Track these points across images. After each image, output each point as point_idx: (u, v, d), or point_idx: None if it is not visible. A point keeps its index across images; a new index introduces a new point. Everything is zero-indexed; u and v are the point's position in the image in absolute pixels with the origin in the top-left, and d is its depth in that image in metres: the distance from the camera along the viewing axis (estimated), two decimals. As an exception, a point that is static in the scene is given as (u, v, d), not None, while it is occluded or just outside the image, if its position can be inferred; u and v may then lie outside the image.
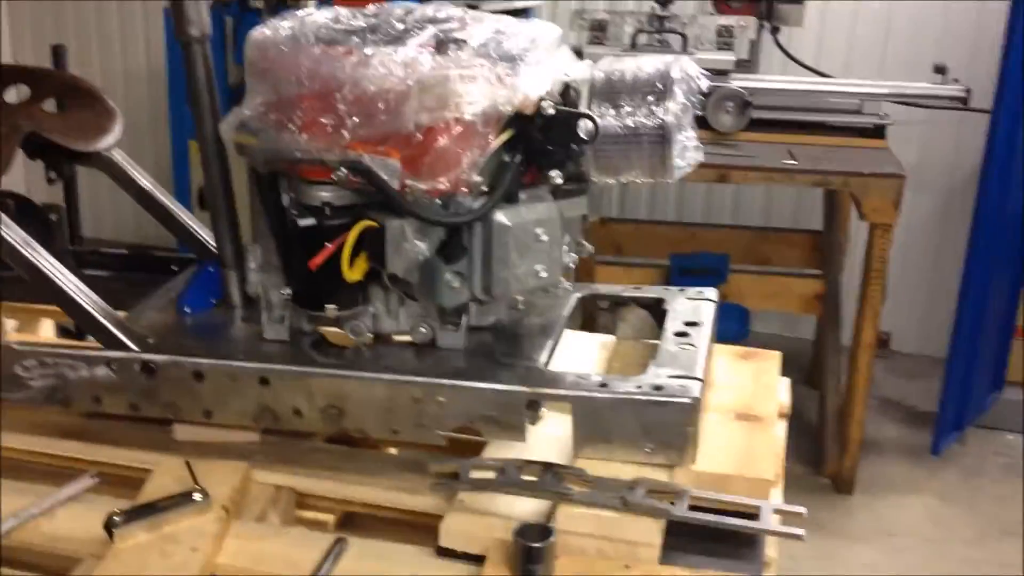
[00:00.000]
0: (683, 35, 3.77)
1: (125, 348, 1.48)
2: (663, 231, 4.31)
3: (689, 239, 4.19)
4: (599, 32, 3.89)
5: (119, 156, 1.79)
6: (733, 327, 3.55)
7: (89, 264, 1.84)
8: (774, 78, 3.78)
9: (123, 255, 1.89)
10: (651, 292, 1.72)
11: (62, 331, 2.07)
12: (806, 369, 4.18)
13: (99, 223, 5.40)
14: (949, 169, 4.42)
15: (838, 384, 3.62)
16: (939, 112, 3.70)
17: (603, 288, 1.74)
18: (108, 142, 1.78)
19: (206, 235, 1.78)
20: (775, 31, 3.95)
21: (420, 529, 1.45)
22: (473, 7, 4.17)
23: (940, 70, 3.54)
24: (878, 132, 3.57)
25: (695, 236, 4.24)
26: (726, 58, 3.68)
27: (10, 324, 1.93)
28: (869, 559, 3.14)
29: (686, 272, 3.67)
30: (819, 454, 3.57)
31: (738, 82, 3.51)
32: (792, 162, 3.27)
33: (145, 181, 1.80)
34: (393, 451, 1.70)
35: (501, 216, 1.34)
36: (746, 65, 3.82)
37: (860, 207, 3.26)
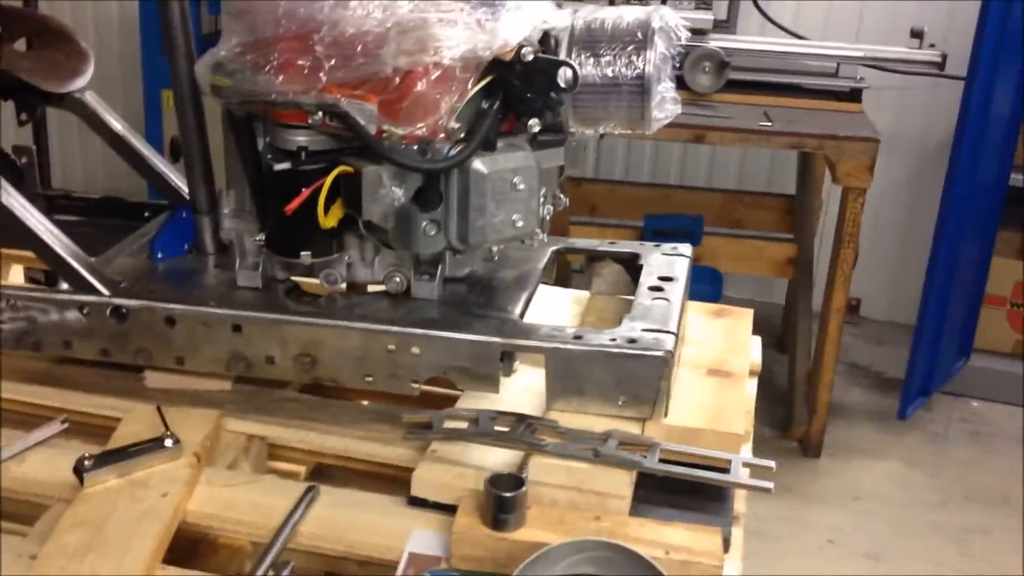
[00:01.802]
0: (662, -7, 3.75)
1: (96, 292, 1.46)
2: (638, 192, 4.30)
3: (663, 200, 4.19)
4: (577, -11, 3.86)
5: (91, 98, 1.77)
6: (707, 290, 3.56)
7: (60, 209, 1.81)
8: (752, 39, 3.76)
9: (95, 200, 1.87)
10: (626, 247, 1.72)
11: (30, 279, 2.05)
12: (777, 334, 4.20)
13: (69, 173, 5.33)
14: (922, 135, 4.43)
15: (808, 348, 3.64)
16: (914, 78, 3.71)
17: (578, 242, 1.74)
18: (80, 83, 1.75)
19: (179, 181, 1.76)
20: (755, -7, 3.93)
21: (391, 481, 1.44)
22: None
23: (917, 35, 3.54)
24: (854, 96, 3.57)
25: (669, 197, 4.24)
26: (705, 17, 3.65)
27: (-23, 268, 1.90)
28: (835, 521, 3.18)
29: (660, 234, 3.67)
30: (787, 417, 3.60)
31: (716, 42, 3.49)
32: (768, 124, 3.27)
33: (118, 125, 1.77)
34: (364, 403, 1.69)
35: (479, 164, 1.33)
36: (724, 26, 3.81)
37: (834, 171, 3.27)
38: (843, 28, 4.39)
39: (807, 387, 3.56)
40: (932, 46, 3.48)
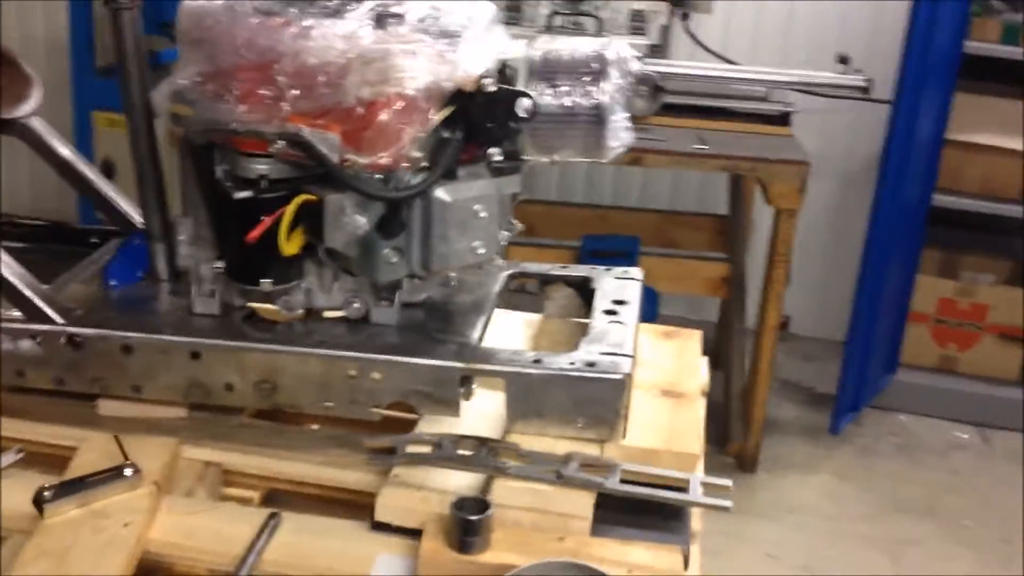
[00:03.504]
0: (597, 18, 3.81)
1: (50, 321, 1.44)
2: (574, 212, 4.35)
3: (599, 221, 4.24)
4: (514, 13, 3.90)
5: (38, 124, 1.74)
6: (644, 309, 3.61)
7: (6, 236, 1.78)
8: (684, 64, 3.83)
9: (42, 226, 1.84)
10: (578, 271, 1.75)
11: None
12: (710, 351, 4.26)
13: (15, 197, 5.23)
14: (847, 156, 4.56)
15: (742, 365, 3.72)
16: (839, 101, 3.82)
17: (531, 266, 1.76)
18: (26, 109, 1.73)
19: (127, 207, 1.75)
20: (685, 17, 4.01)
21: (347, 505, 1.45)
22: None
23: (843, 60, 3.64)
24: (783, 119, 3.66)
25: (604, 218, 4.30)
26: (639, 42, 3.73)
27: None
28: (772, 535, 3.25)
29: (597, 254, 3.72)
30: (723, 433, 3.67)
31: (649, 67, 3.55)
32: (702, 147, 3.34)
33: (66, 151, 1.75)
34: (315, 427, 1.69)
35: (441, 192, 1.35)
36: (658, 50, 3.88)
37: (766, 192, 3.35)
38: (770, 52, 4.51)
39: (742, 403, 3.63)
40: (858, 71, 3.59)
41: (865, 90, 3.54)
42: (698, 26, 4.10)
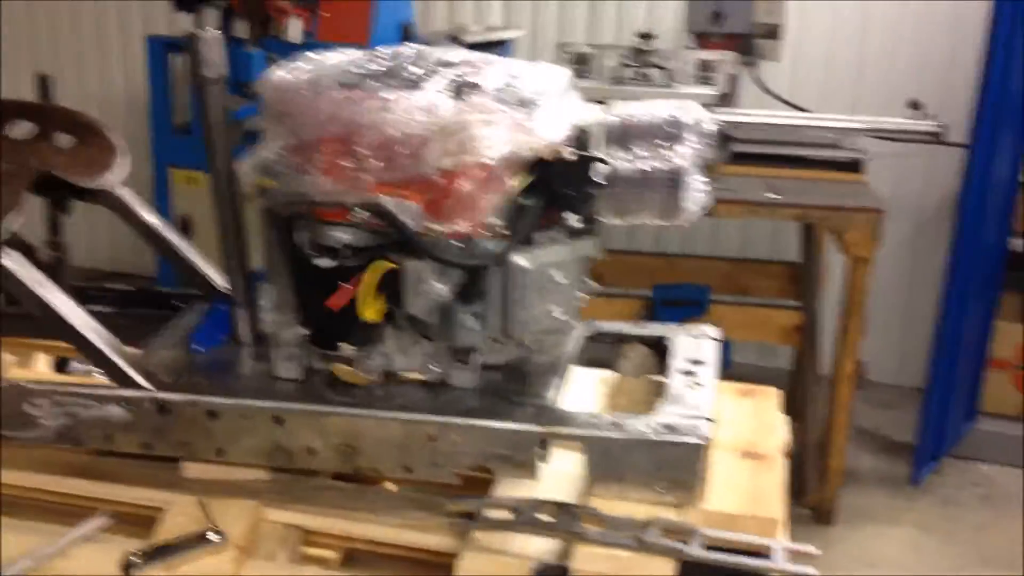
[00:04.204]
0: (665, 69, 3.82)
1: (139, 387, 1.48)
2: (643, 261, 4.35)
3: (668, 269, 4.23)
4: (582, 65, 3.94)
5: (125, 192, 1.80)
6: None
7: (92, 300, 1.83)
8: (753, 112, 3.83)
9: (125, 291, 1.89)
10: (653, 329, 1.74)
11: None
12: (784, 399, 4.21)
13: (94, 254, 5.39)
14: (921, 199, 4.50)
15: (817, 414, 3.66)
16: (912, 145, 3.78)
17: (606, 325, 1.76)
18: (114, 178, 1.78)
19: (210, 271, 1.79)
20: (753, 66, 4.02)
21: (424, 566, 1.46)
22: (454, 39, 4.21)
23: (915, 106, 3.61)
24: (855, 166, 3.63)
25: (674, 266, 4.29)
26: (707, 92, 3.73)
27: (9, 359, 1.92)
28: (852, 590, 3.18)
29: (668, 303, 3.71)
30: (799, 485, 3.61)
31: (719, 116, 3.55)
32: (774, 196, 3.32)
33: (151, 217, 1.80)
34: (392, 487, 1.70)
35: (519, 259, 1.37)
36: (725, 99, 3.88)
37: (840, 241, 3.31)
38: (840, 98, 4.48)
39: (818, 454, 3.57)
40: (931, 116, 3.55)
41: (939, 136, 3.51)
42: (766, 73, 4.10)
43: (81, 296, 1.82)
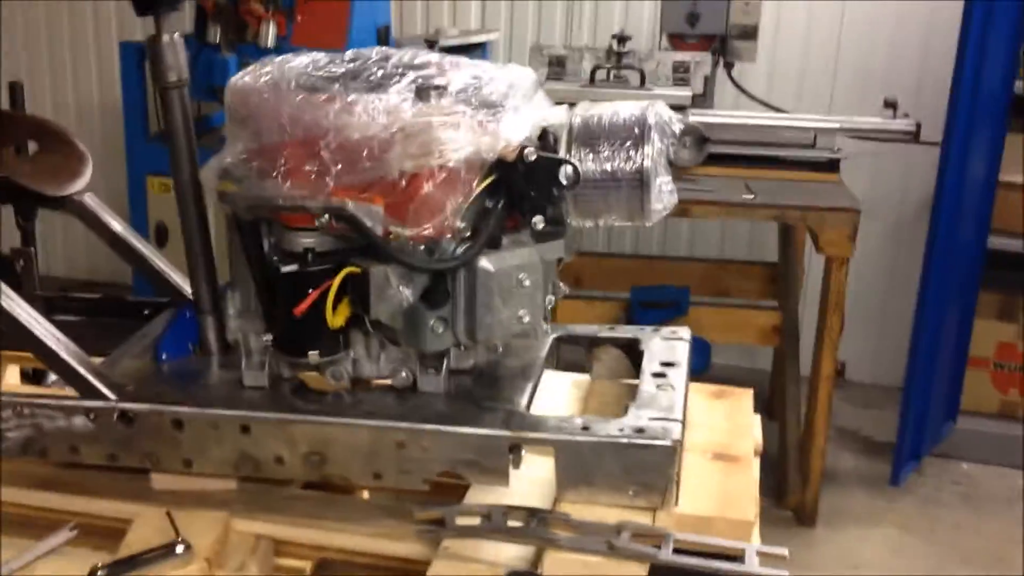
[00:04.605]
0: (640, 71, 3.82)
1: (103, 397, 1.46)
2: (622, 264, 4.35)
3: (647, 271, 4.23)
4: (558, 68, 3.94)
5: (91, 200, 1.78)
6: (696, 360, 3.57)
7: (58, 309, 1.81)
8: (730, 113, 3.84)
9: (93, 299, 1.87)
10: (626, 332, 1.73)
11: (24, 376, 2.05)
12: (765, 400, 4.22)
13: (50, 258, 5.35)
14: (898, 199, 4.51)
15: (798, 415, 3.66)
16: (888, 144, 3.79)
17: (578, 328, 1.75)
18: (79, 186, 1.76)
19: (179, 280, 1.77)
20: (729, 67, 4.02)
21: (395, 574, 1.44)
22: (431, 43, 4.20)
23: (891, 105, 3.62)
24: (832, 166, 3.64)
25: (653, 268, 4.29)
26: (683, 93, 3.74)
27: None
28: (834, 592, 3.18)
29: (647, 305, 3.71)
30: (780, 486, 3.61)
31: (695, 117, 3.56)
32: (750, 196, 3.32)
33: (118, 225, 1.78)
34: (365, 495, 1.69)
35: (485, 262, 1.35)
36: (701, 100, 3.88)
37: (817, 241, 3.32)
38: (815, 98, 4.49)
39: (799, 454, 3.57)
40: (906, 115, 3.56)
41: (914, 135, 3.52)
42: (742, 74, 4.11)
43: (48, 305, 1.81)
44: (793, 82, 4.54)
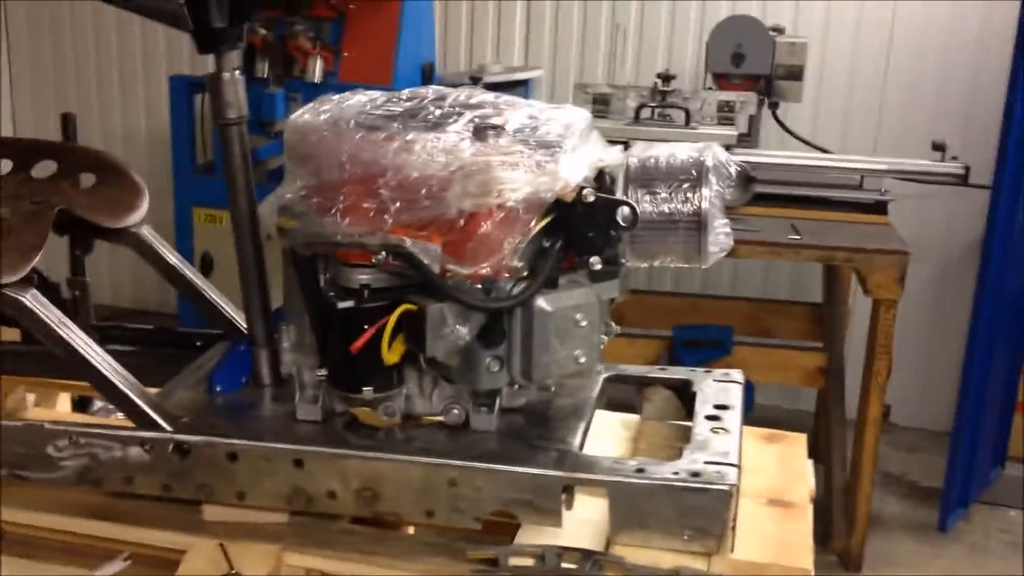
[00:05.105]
0: (685, 110, 3.83)
1: (159, 428, 1.47)
2: (664, 302, 4.33)
3: (689, 310, 4.21)
4: (602, 106, 3.95)
5: (147, 233, 1.80)
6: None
7: (112, 340, 1.83)
8: (776, 153, 3.83)
9: (146, 330, 1.89)
10: (677, 373, 1.72)
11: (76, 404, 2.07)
12: (808, 442, 4.16)
13: (118, 292, 5.44)
14: (946, 242, 4.47)
15: (843, 458, 3.61)
16: (935, 187, 3.76)
17: (629, 368, 1.74)
18: (137, 219, 1.78)
19: (232, 312, 1.78)
20: (774, 107, 4.02)
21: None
22: (475, 79, 4.22)
23: (939, 147, 3.60)
24: (879, 207, 3.62)
25: (695, 307, 4.26)
26: (728, 133, 3.74)
27: (29, 399, 1.92)
28: (880, 638, 3.12)
29: (690, 344, 3.69)
30: (825, 530, 3.56)
31: (740, 157, 3.54)
32: (797, 237, 3.30)
33: (173, 258, 1.80)
34: (411, 531, 1.68)
35: (542, 302, 1.35)
36: (746, 140, 3.88)
37: (864, 283, 3.29)
38: (861, 139, 4.47)
39: (844, 498, 3.52)
40: (955, 158, 3.54)
41: (963, 178, 3.49)
42: (787, 114, 4.10)
43: (101, 335, 1.83)
44: (838, 122, 4.53)
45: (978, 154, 3.69)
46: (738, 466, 1.39)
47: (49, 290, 1.87)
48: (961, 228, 4.39)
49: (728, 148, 3.60)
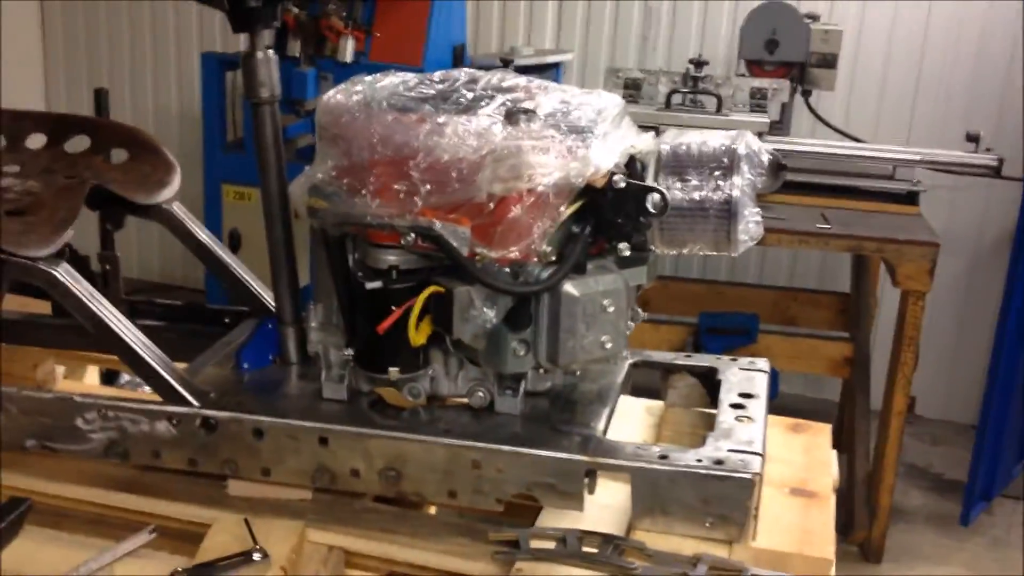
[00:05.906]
0: (717, 96, 3.80)
1: (186, 403, 1.48)
2: (690, 288, 4.32)
3: (716, 297, 4.20)
4: (633, 91, 3.93)
5: (178, 209, 1.81)
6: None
7: (141, 314, 1.85)
8: (807, 141, 3.80)
9: (175, 306, 1.90)
10: (702, 360, 1.72)
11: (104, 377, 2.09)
12: (832, 432, 4.14)
13: (145, 267, 5.48)
14: (976, 233, 4.43)
15: (867, 449, 3.60)
16: (967, 178, 3.72)
17: (655, 355, 1.75)
18: (167, 194, 1.80)
19: (260, 289, 1.79)
20: (807, 94, 3.98)
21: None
22: (506, 62, 4.19)
23: (973, 139, 3.56)
24: (911, 198, 3.58)
25: (721, 294, 4.25)
26: (760, 120, 3.71)
27: (59, 371, 1.94)
28: (898, 630, 3.11)
29: (715, 331, 3.68)
30: (847, 520, 3.55)
31: (772, 144, 3.52)
32: (826, 226, 3.28)
33: (203, 235, 1.82)
34: (432, 511, 1.69)
35: (570, 287, 1.35)
36: (778, 127, 3.85)
37: (894, 274, 3.26)
38: (894, 128, 4.43)
39: (866, 489, 3.51)
40: (988, 149, 3.50)
41: (996, 170, 3.45)
42: (819, 102, 4.07)
43: (131, 310, 1.85)
44: (871, 111, 4.49)
45: (1012, 146, 3.65)
46: (762, 455, 1.39)
47: (80, 264, 1.89)
48: (992, 220, 4.35)
49: (760, 135, 3.58)
